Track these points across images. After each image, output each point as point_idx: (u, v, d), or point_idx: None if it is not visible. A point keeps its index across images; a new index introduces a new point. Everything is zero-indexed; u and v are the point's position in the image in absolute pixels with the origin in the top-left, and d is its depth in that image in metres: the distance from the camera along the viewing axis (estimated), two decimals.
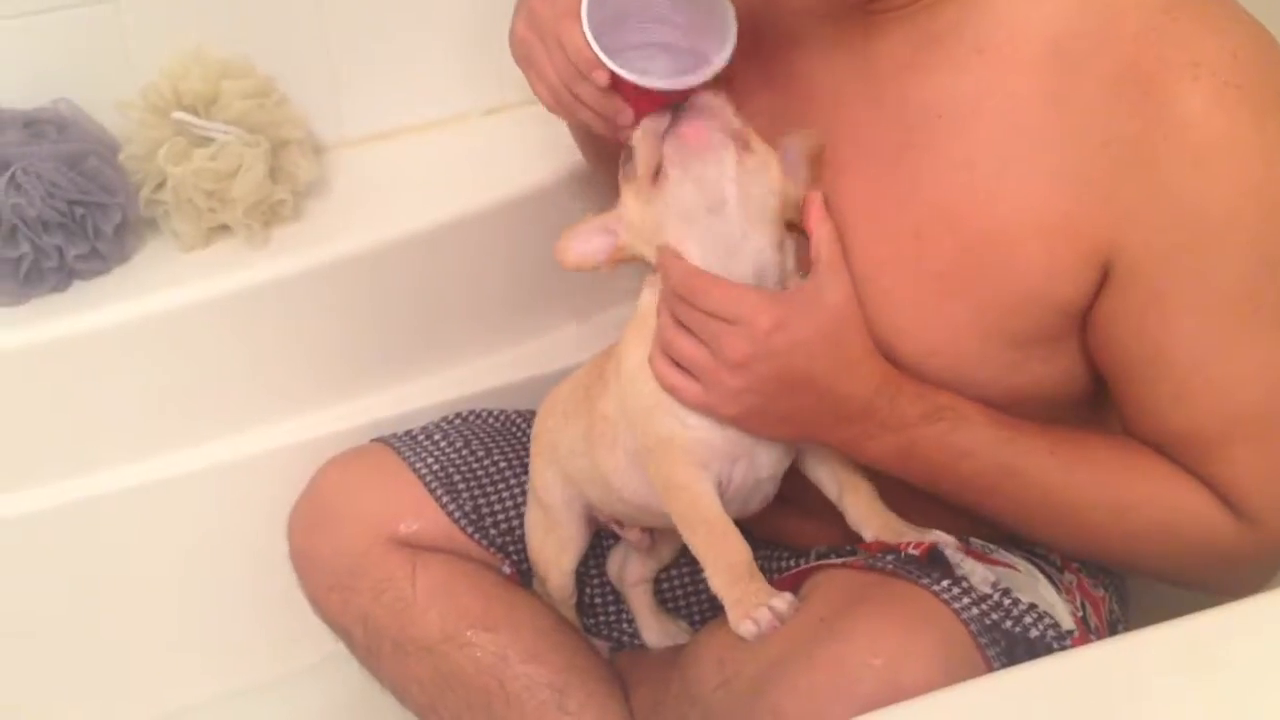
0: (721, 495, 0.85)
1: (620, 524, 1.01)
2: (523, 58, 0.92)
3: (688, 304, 0.81)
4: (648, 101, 0.84)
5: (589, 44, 0.83)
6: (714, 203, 0.81)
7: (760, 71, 0.89)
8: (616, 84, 0.85)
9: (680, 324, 0.82)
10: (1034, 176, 0.76)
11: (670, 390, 0.83)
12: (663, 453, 0.85)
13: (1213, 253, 0.74)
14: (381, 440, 1.12)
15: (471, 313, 1.27)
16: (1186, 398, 0.78)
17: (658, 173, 0.82)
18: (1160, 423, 0.80)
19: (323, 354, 1.21)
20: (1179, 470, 0.80)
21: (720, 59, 0.84)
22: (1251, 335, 0.75)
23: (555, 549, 1.02)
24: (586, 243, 0.86)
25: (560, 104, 0.89)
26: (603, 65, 0.83)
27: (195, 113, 1.14)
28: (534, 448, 1.03)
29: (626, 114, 0.86)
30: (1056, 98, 0.75)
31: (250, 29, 1.22)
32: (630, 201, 0.84)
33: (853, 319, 0.81)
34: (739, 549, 0.82)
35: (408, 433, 1.13)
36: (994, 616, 0.75)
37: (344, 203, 1.25)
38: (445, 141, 1.35)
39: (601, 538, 1.06)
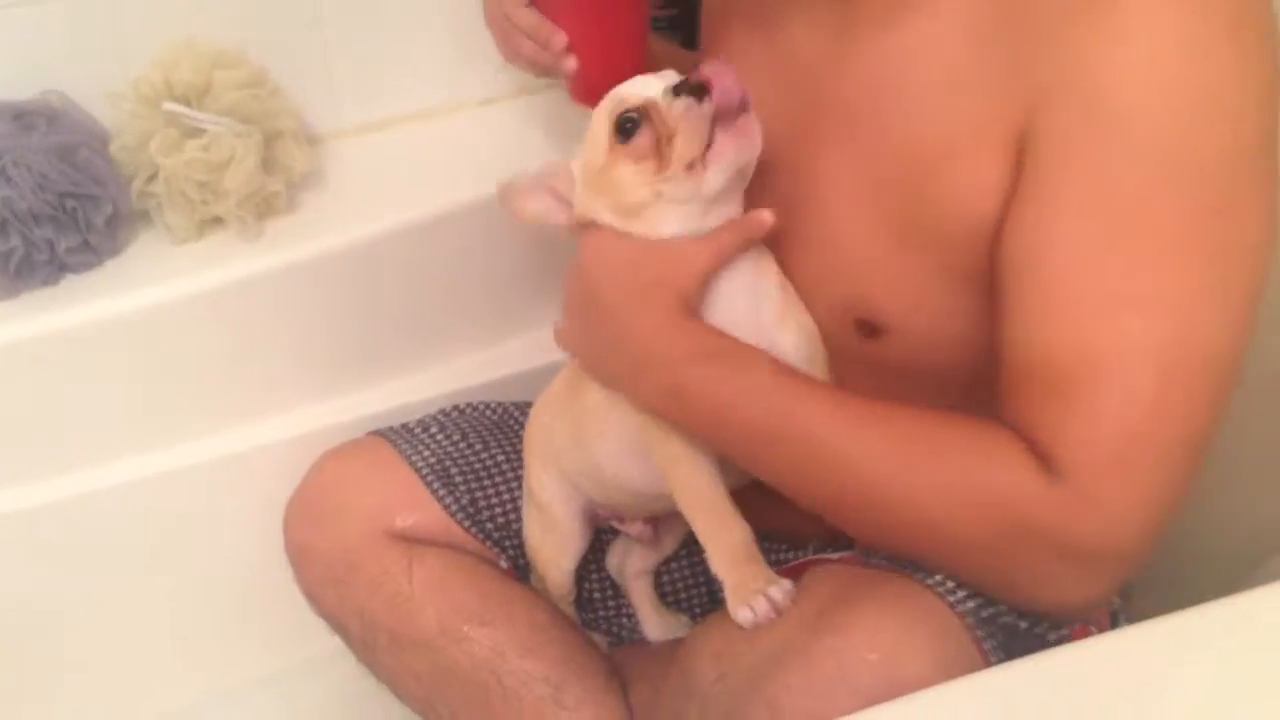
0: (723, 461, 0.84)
1: (621, 519, 1.00)
2: (496, 29, 0.98)
3: None
4: (577, 17, 0.90)
5: None
6: (738, 183, 0.82)
7: (742, 47, 0.89)
8: (542, 5, 0.91)
9: None
10: (979, 81, 0.73)
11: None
12: (657, 427, 0.84)
13: (1110, 142, 0.67)
14: (378, 433, 1.11)
15: (469, 304, 1.26)
16: (1047, 318, 0.69)
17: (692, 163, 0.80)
18: (1016, 355, 0.70)
19: (318, 346, 1.20)
20: (985, 420, 0.71)
21: None
22: (1136, 254, 0.67)
23: (554, 549, 1.01)
24: (533, 202, 0.87)
25: (506, 43, 0.96)
26: None
27: (187, 103, 1.13)
28: (527, 448, 1.02)
29: (560, 37, 0.93)
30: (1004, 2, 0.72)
31: (243, 19, 1.21)
32: (629, 176, 0.81)
33: (667, 256, 0.80)
34: (739, 528, 0.81)
35: (404, 426, 1.12)
36: (990, 610, 0.74)
37: (339, 194, 1.24)
38: (441, 131, 1.34)
39: (600, 532, 1.05)
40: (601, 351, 0.84)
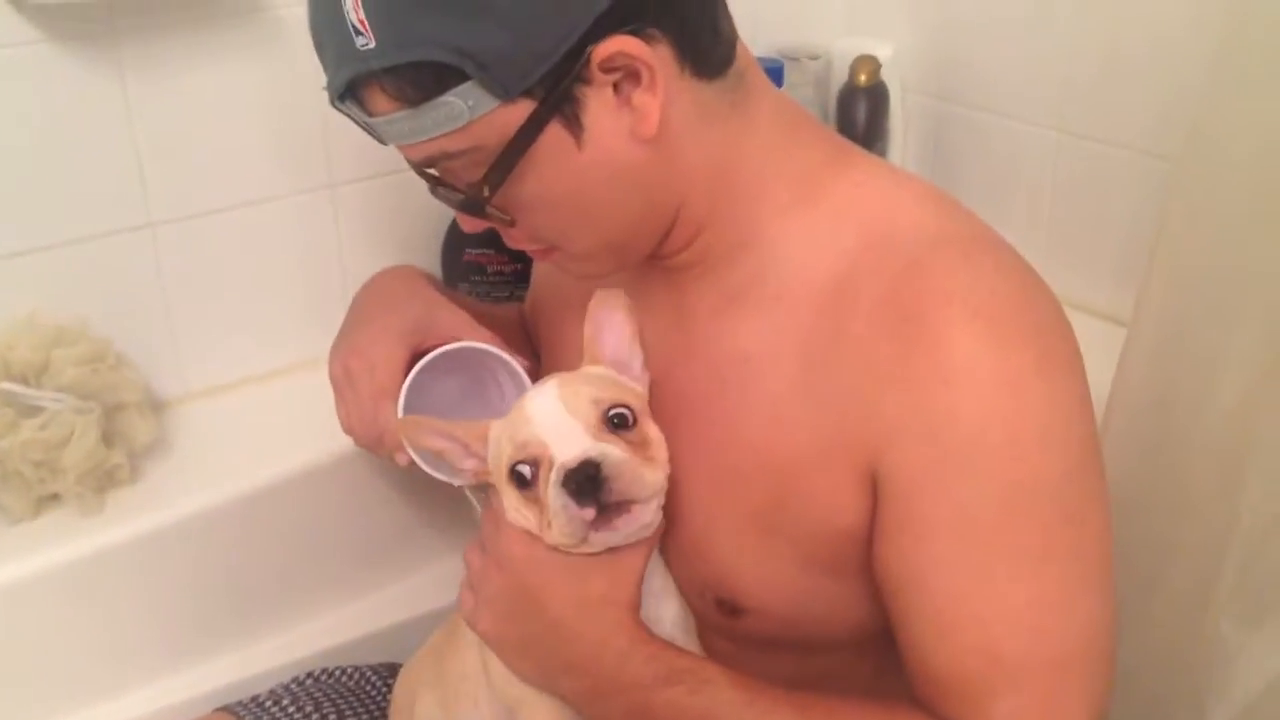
0: None
1: None
2: (336, 392, 0.99)
3: None
4: None
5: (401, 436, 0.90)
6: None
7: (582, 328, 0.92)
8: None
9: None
10: (820, 404, 0.78)
11: (459, 606, 0.86)
12: (528, 704, 0.84)
13: (961, 473, 0.73)
14: (225, 709, 1.07)
15: (320, 566, 1.24)
16: (946, 633, 0.75)
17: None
18: (926, 663, 0.76)
19: (163, 620, 1.15)
20: (925, 715, 0.75)
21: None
22: (1010, 571, 0.74)
23: None
24: (438, 443, 0.86)
25: (358, 440, 0.97)
26: (405, 451, 0.91)
27: (25, 382, 1.12)
28: (394, 718, 0.99)
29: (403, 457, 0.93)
30: (837, 328, 0.78)
31: (86, 290, 1.21)
32: (522, 509, 0.81)
33: (609, 566, 0.80)
34: None
35: (254, 698, 1.09)
36: None
37: (185, 460, 1.22)
38: (292, 388, 1.34)
39: None
40: (551, 668, 0.81)
